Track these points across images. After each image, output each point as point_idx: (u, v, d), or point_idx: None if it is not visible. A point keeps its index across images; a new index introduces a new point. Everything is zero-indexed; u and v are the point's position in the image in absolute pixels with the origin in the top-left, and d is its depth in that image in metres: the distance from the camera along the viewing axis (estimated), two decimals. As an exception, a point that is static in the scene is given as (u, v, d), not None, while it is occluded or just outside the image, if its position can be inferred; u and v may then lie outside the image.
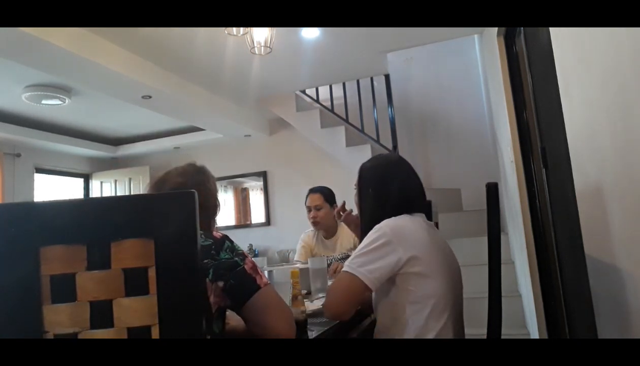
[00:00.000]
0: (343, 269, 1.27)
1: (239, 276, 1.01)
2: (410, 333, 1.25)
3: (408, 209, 1.36)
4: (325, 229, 2.67)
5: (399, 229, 1.27)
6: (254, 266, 1.06)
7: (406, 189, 1.41)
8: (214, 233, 1.07)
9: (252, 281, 1.03)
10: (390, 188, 1.40)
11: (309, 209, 2.65)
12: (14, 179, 5.08)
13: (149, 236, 0.69)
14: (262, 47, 2.70)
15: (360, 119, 4.77)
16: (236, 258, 1.04)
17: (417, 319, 1.25)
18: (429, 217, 1.77)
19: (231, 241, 1.07)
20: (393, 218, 1.32)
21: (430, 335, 1.24)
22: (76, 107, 4.53)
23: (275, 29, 2.76)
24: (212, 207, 1.22)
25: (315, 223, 2.65)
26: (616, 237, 1.20)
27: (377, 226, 1.29)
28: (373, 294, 1.37)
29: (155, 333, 0.68)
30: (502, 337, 1.36)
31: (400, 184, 1.41)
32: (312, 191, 2.69)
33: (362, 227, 1.44)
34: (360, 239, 1.40)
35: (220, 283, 1.00)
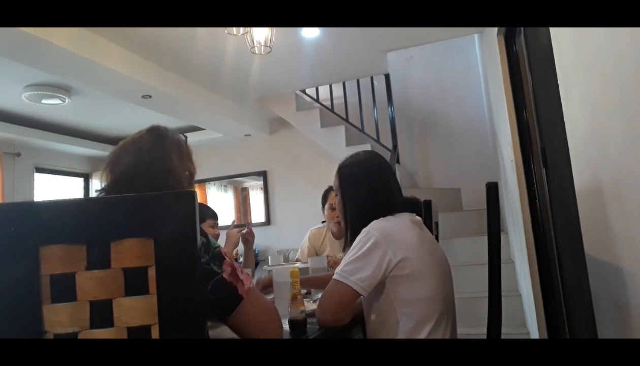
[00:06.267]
0: (334, 276, 1.26)
1: (218, 288, 0.90)
2: (401, 335, 1.25)
3: (391, 210, 1.34)
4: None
5: (387, 231, 1.26)
6: (234, 270, 0.94)
7: (388, 184, 1.39)
8: None
9: (233, 291, 0.92)
10: (374, 183, 1.38)
11: (332, 208, 2.43)
12: (14, 178, 5.08)
13: (149, 235, 0.69)
14: (262, 47, 2.69)
15: (360, 119, 4.77)
16: (212, 265, 0.91)
17: (407, 321, 1.25)
18: (421, 215, 1.77)
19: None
20: (380, 219, 1.30)
21: (422, 334, 1.24)
22: (76, 107, 4.52)
23: (275, 28, 2.76)
24: (172, 186, 1.02)
25: (338, 223, 2.44)
26: (616, 237, 1.20)
27: (364, 230, 1.28)
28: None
29: (155, 333, 0.68)
30: (502, 336, 1.36)
31: (382, 178, 1.39)
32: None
33: (350, 230, 1.40)
34: (347, 245, 1.38)
35: None
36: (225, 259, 0.94)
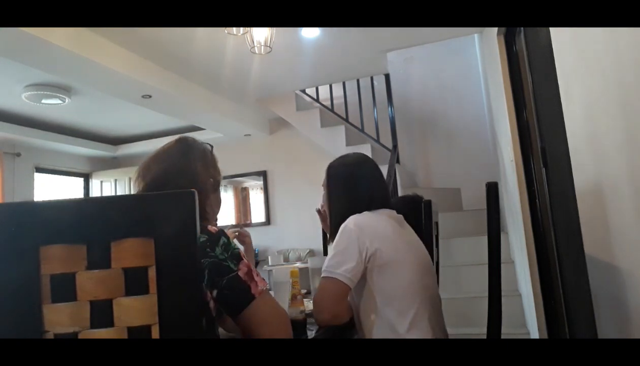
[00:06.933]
0: (322, 274, 1.30)
1: (232, 284, 0.95)
2: (384, 324, 1.29)
3: (370, 207, 1.41)
4: None
5: (361, 224, 1.34)
6: (249, 271, 0.98)
7: (372, 188, 1.46)
8: (209, 228, 1.00)
9: (246, 290, 0.96)
10: (358, 187, 1.46)
11: None
12: (14, 178, 5.08)
13: (149, 235, 0.69)
14: (262, 47, 2.69)
15: (360, 119, 4.78)
16: (229, 262, 0.97)
17: (388, 311, 1.29)
18: (421, 213, 1.79)
19: (227, 237, 1.00)
20: (356, 215, 1.38)
21: (405, 324, 1.28)
22: (76, 107, 4.53)
23: (275, 28, 2.76)
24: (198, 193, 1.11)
25: None
26: (616, 237, 1.20)
27: (342, 225, 1.35)
28: None
29: (155, 333, 0.68)
30: (502, 336, 1.36)
31: (366, 183, 1.46)
32: None
33: (332, 226, 1.48)
34: (331, 237, 1.44)
35: (214, 292, 0.95)
36: (243, 260, 0.99)
